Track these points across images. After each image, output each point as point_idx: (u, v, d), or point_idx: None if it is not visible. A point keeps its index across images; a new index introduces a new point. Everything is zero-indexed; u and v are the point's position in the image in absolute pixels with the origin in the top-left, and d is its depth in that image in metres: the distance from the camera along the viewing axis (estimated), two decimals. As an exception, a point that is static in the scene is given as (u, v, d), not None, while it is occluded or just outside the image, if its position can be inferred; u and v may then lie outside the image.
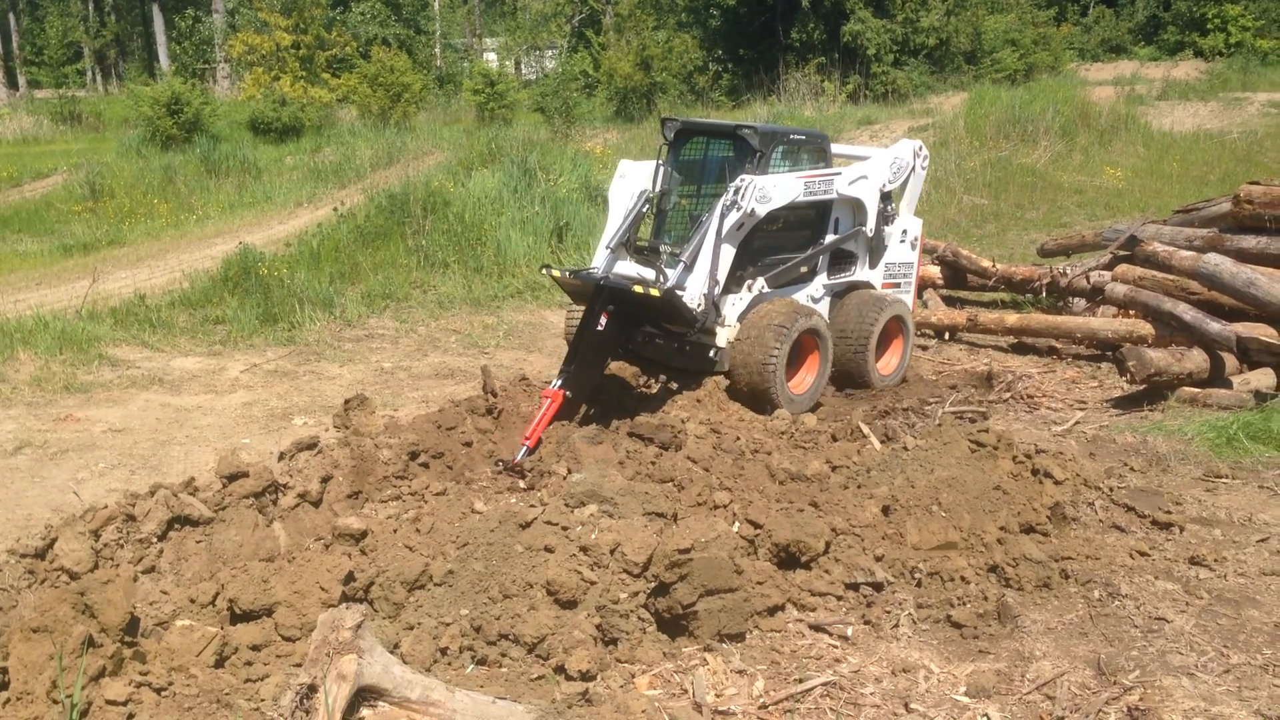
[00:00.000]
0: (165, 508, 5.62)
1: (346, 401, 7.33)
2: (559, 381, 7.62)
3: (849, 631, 4.96)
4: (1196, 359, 8.42)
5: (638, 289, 7.72)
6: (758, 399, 8.12)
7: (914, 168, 9.50)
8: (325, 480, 6.39)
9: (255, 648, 4.53)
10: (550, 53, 46.32)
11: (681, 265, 8.07)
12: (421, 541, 5.21)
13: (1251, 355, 8.35)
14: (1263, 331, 8.28)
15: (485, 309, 12.46)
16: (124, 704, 3.97)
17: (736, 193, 7.85)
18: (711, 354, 8.26)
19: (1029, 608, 5.18)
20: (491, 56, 49.54)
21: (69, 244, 16.57)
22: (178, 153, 23.72)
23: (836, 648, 4.84)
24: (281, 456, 6.67)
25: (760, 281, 8.46)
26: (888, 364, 9.21)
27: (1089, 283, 10.84)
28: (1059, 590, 5.34)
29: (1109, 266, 10.77)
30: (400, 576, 4.83)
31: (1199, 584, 5.46)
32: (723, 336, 8.22)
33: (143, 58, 57.85)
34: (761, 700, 4.37)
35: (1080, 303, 11.06)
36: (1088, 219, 16.32)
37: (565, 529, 5.01)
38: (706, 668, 4.60)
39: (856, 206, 9.02)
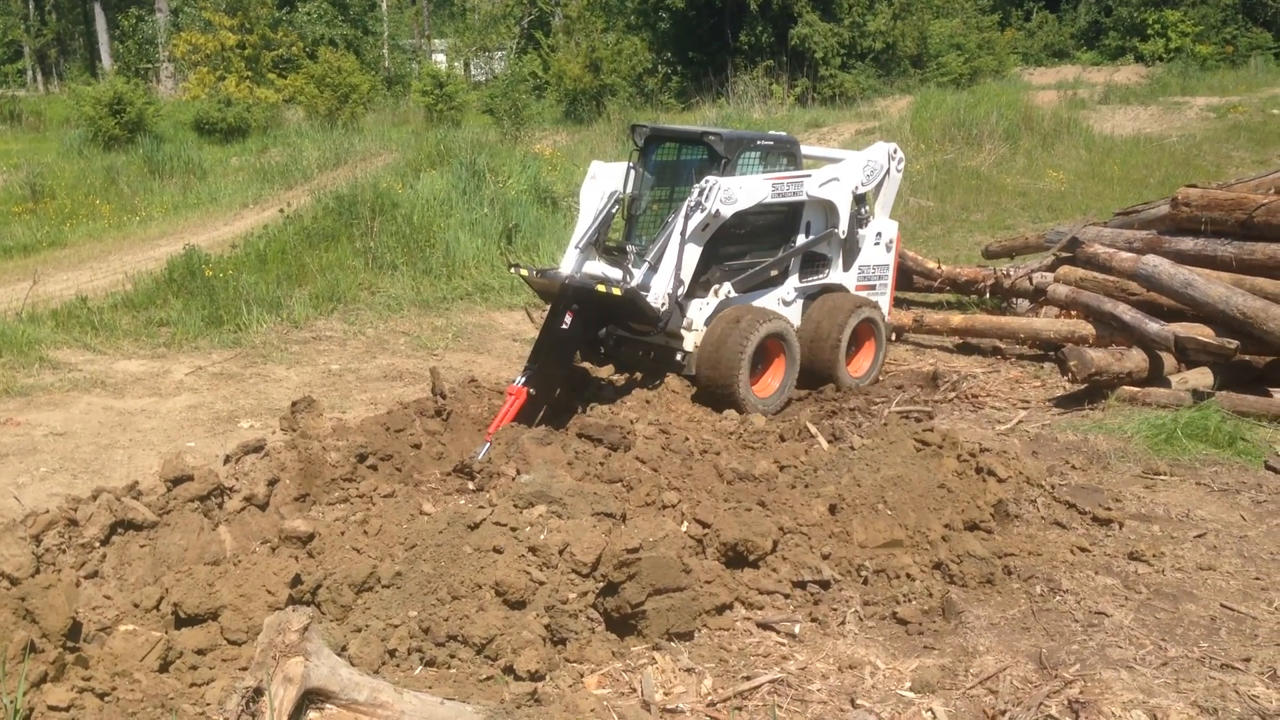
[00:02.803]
0: (108, 512, 5.55)
1: (294, 404, 7.27)
2: (523, 379, 7.65)
3: (796, 629, 5.00)
4: (1136, 359, 8.57)
5: (600, 288, 7.78)
6: (723, 402, 8.19)
7: (889, 170, 9.57)
8: (272, 483, 6.34)
9: (200, 652, 4.50)
10: (499, 54, 46.16)
11: (646, 265, 8.11)
12: (369, 543, 5.19)
13: (1189, 355, 8.51)
14: (1200, 331, 8.44)
15: (434, 311, 12.41)
16: (66, 709, 3.92)
17: (701, 194, 7.90)
18: (679, 358, 8.36)
19: (973, 604, 5.25)
20: (440, 58, 49.26)
21: (8, 245, 16.24)
22: (120, 153, 23.33)
23: (784, 645, 4.89)
24: (227, 459, 6.61)
25: (727, 286, 8.52)
26: (859, 366, 9.31)
27: (1032, 284, 11.01)
28: (1002, 586, 5.43)
29: (1051, 268, 10.94)
30: (348, 579, 4.81)
31: (1138, 579, 5.57)
32: (690, 341, 8.31)
33: (84, 57, 56.79)
34: (710, 698, 4.40)
35: (1023, 304, 11.22)
36: (1031, 221, 16.57)
37: (514, 530, 5.01)
38: (655, 666, 4.62)
39: (828, 209, 9.07)
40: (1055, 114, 24.04)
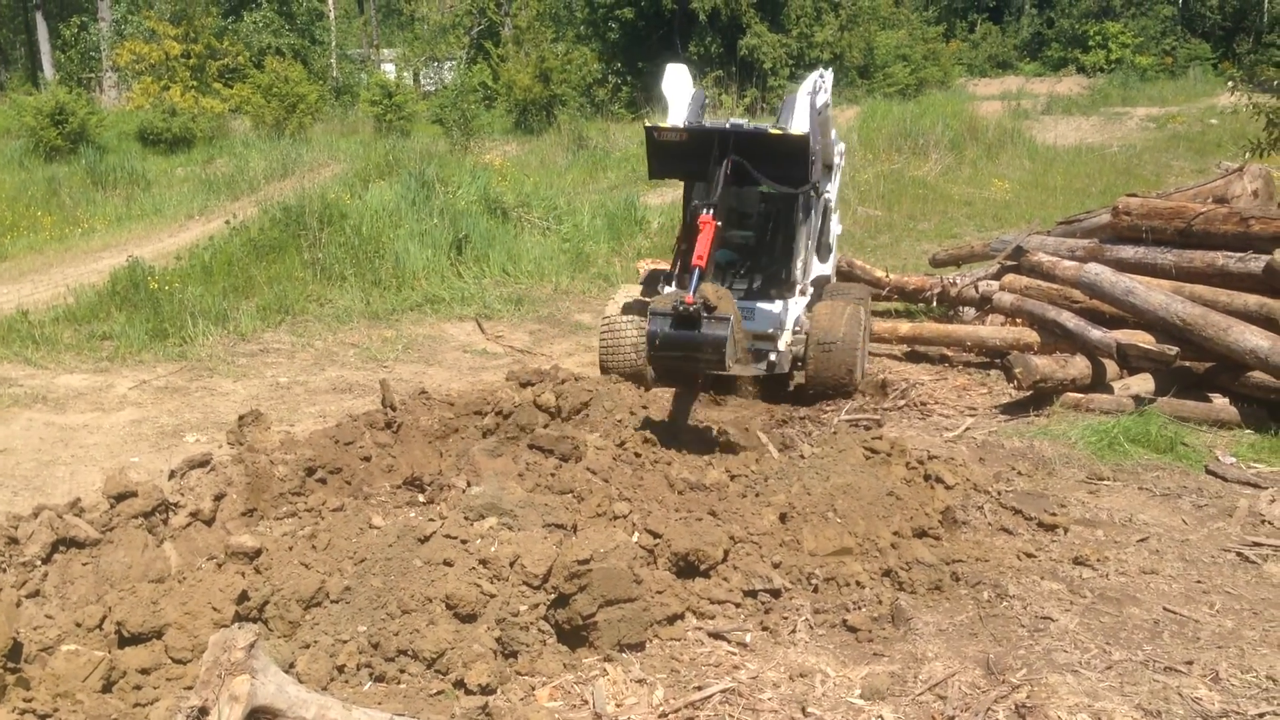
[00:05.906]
0: (49, 529, 5.46)
1: (241, 417, 7.20)
2: (709, 210, 7.62)
3: (747, 638, 5.01)
4: (1079, 365, 8.68)
5: (774, 131, 8.00)
6: (841, 384, 8.73)
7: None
8: (218, 498, 6.27)
9: (144, 671, 4.44)
10: (449, 64, 45.96)
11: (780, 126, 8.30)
12: (318, 558, 5.14)
13: (1131, 361, 8.62)
14: (1141, 338, 8.56)
15: (383, 322, 12.33)
16: (6, 733, 3.86)
17: (820, 75, 8.88)
18: (772, 358, 8.65)
19: (921, 610, 5.30)
20: (389, 68, 48.96)
21: (-53, 258, 15.98)
22: (62, 164, 23.02)
23: (735, 654, 4.90)
24: (172, 475, 6.52)
25: (805, 282, 9.17)
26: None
27: (978, 292, 11.12)
28: (950, 592, 5.47)
29: (997, 276, 11.06)
30: (296, 594, 4.76)
31: (1082, 583, 5.63)
32: (782, 341, 8.68)
33: (26, 66, 55.91)
34: (661, 709, 4.40)
35: (970, 311, 11.33)
36: (977, 230, 16.76)
37: (464, 542, 4.99)
38: (607, 678, 4.61)
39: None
40: (999, 124, 24.40)
